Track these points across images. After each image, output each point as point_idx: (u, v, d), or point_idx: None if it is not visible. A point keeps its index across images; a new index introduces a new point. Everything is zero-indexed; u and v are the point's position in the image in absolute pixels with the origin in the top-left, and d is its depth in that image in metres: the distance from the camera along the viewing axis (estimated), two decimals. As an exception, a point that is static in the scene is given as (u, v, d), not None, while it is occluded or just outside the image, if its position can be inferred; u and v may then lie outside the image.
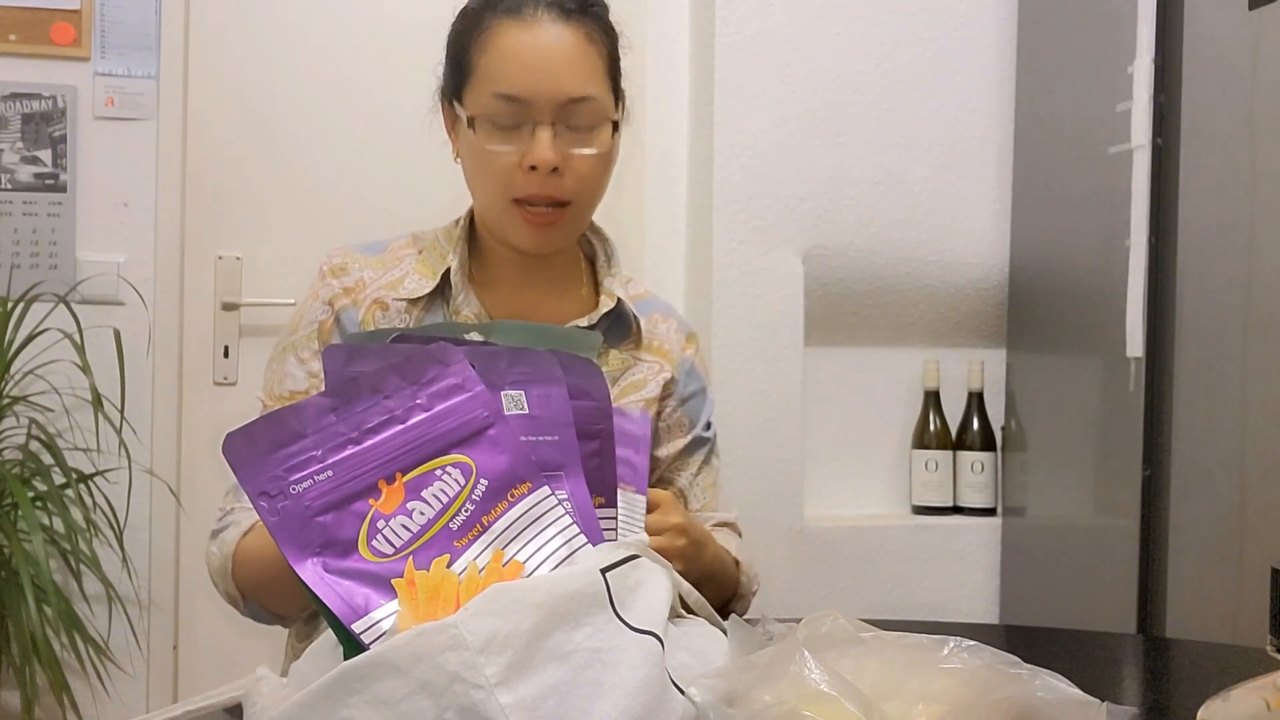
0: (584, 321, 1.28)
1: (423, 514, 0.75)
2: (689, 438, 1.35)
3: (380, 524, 0.74)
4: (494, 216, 1.24)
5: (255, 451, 0.73)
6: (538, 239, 1.22)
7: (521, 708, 0.63)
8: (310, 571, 0.71)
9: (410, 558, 0.73)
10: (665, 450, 1.34)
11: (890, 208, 2.22)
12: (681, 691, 0.72)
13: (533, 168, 1.17)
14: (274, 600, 1.18)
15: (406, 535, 0.74)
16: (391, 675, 0.63)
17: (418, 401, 0.77)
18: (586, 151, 1.19)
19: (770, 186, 2.17)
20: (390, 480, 0.75)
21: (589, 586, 0.69)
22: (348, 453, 0.75)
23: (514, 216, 1.20)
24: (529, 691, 0.64)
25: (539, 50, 1.17)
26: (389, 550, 0.73)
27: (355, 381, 0.77)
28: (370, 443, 0.75)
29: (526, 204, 1.19)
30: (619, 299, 1.30)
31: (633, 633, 0.70)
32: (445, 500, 0.75)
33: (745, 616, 0.90)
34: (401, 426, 0.76)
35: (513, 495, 0.77)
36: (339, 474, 0.74)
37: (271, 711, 0.67)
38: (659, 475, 1.34)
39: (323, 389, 1.20)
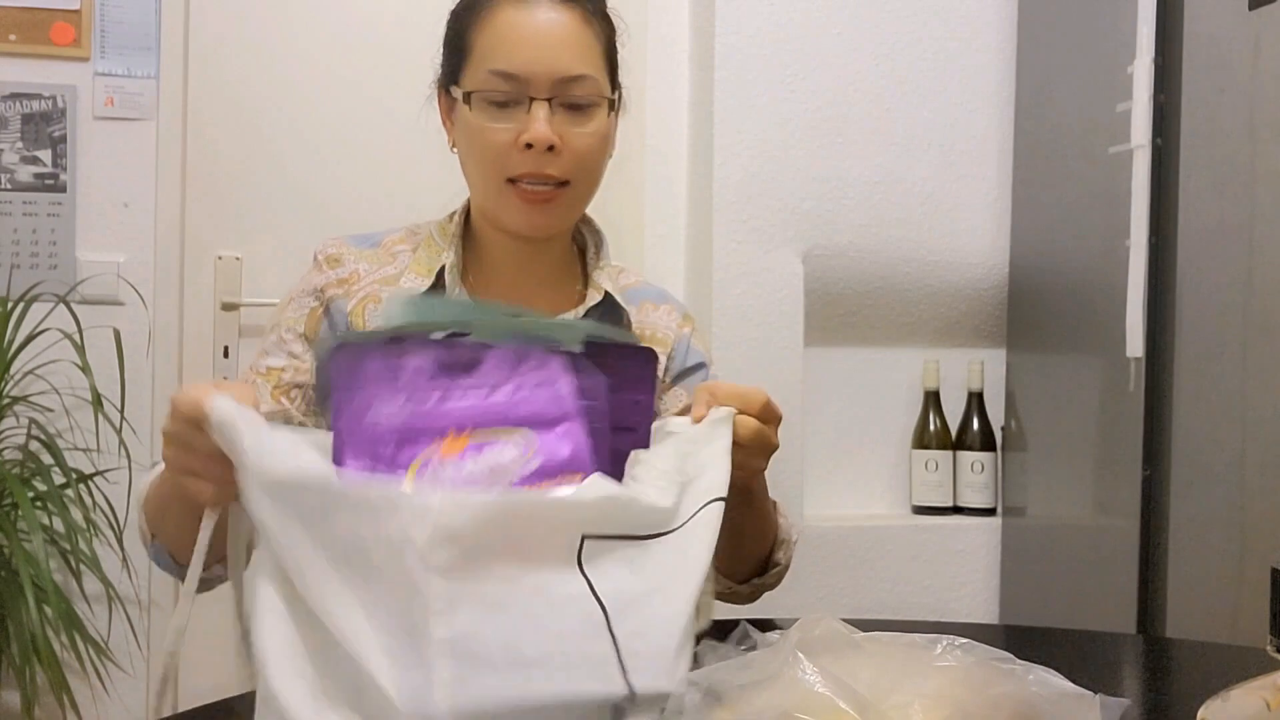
0: (569, 316, 1.27)
1: (473, 469, 0.77)
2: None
3: (434, 463, 0.77)
4: (489, 199, 1.22)
5: (354, 379, 0.78)
6: (533, 219, 1.20)
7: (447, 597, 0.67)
8: (350, 466, 0.76)
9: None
10: None
11: (890, 208, 2.22)
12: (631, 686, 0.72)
13: (529, 145, 1.16)
14: (171, 538, 1.12)
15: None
16: (352, 514, 0.69)
17: (508, 385, 0.81)
18: (583, 130, 1.19)
19: (770, 186, 2.17)
20: (460, 432, 0.79)
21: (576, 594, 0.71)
22: (429, 405, 0.79)
23: (509, 197, 1.19)
24: (465, 592, 0.67)
25: (536, 29, 1.18)
26: None
27: (462, 357, 0.81)
28: (451, 404, 0.80)
29: (522, 182, 1.18)
30: (606, 292, 1.29)
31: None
32: (499, 464, 0.78)
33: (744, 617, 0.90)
34: (485, 400, 0.80)
35: (561, 480, 0.79)
36: (416, 414, 0.78)
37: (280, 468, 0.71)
38: None
39: (298, 372, 1.21)
